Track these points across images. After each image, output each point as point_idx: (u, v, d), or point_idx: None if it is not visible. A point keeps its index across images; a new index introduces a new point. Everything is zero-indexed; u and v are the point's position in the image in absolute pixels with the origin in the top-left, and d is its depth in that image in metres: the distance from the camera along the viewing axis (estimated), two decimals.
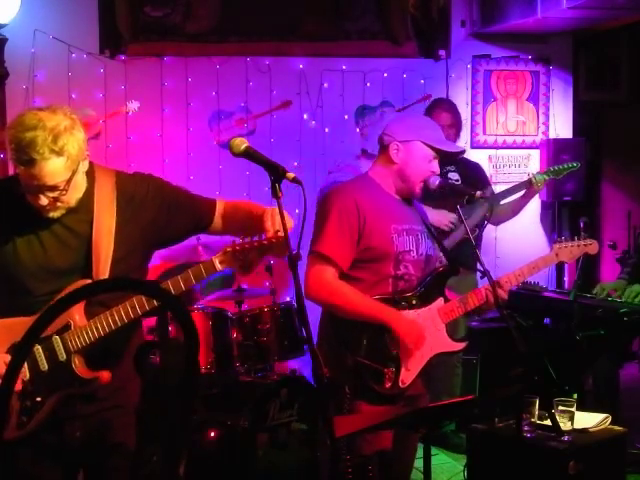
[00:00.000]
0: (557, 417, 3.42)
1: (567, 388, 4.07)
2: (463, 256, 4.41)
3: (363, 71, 6.06)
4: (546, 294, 5.11)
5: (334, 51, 6.02)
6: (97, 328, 2.49)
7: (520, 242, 6.11)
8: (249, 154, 2.40)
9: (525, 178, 5.28)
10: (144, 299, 2.46)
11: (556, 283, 6.48)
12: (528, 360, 2.99)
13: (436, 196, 3.93)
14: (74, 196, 2.52)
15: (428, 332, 3.22)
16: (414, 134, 3.25)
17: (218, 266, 2.47)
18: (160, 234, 2.66)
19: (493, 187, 5.39)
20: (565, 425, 3.43)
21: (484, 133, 6.45)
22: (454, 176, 5.04)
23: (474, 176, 5.11)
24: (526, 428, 3.43)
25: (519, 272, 3.36)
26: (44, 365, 2.50)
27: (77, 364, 2.51)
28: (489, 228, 5.15)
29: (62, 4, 5.49)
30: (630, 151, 6.91)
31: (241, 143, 2.40)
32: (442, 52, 6.23)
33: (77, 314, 2.50)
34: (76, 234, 2.55)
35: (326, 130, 6.01)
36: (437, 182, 3.29)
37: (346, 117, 6.05)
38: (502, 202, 5.03)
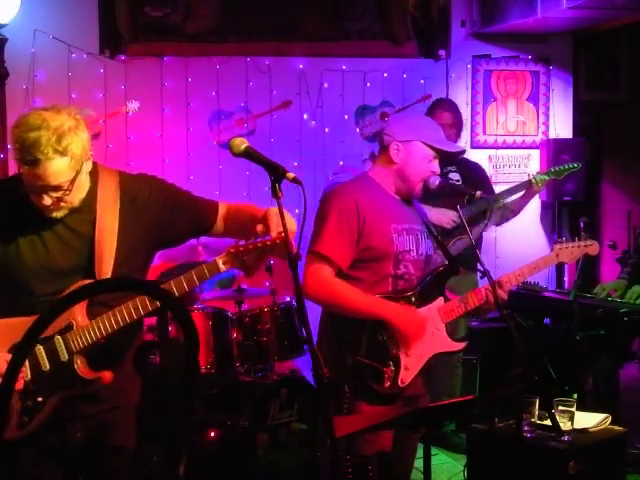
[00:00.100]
0: (557, 417, 3.42)
1: (567, 388, 4.07)
2: (463, 256, 4.42)
3: (363, 71, 6.06)
4: (546, 294, 5.11)
5: (334, 51, 6.02)
6: (99, 328, 2.48)
7: (520, 242, 6.12)
8: (249, 154, 2.40)
9: (525, 178, 5.28)
10: (147, 300, 2.46)
11: (556, 283, 6.48)
12: (528, 360, 2.99)
13: (436, 196, 3.93)
14: (77, 196, 2.51)
15: (428, 331, 3.22)
16: (414, 134, 3.25)
17: (222, 267, 2.47)
18: (162, 235, 2.65)
19: (493, 187, 5.40)
20: (565, 425, 3.43)
21: (484, 133, 6.45)
22: (455, 176, 5.04)
23: (474, 176, 5.11)
24: (526, 428, 3.43)
25: (519, 272, 3.36)
26: (46, 365, 2.50)
27: (79, 364, 2.50)
28: (489, 228, 5.15)
29: (62, 4, 5.49)
30: (630, 151, 6.92)
31: (241, 143, 2.39)
32: (442, 52, 6.24)
33: (79, 314, 2.49)
34: (79, 234, 2.55)
35: (326, 130, 6.01)
36: (437, 182, 3.29)
37: (346, 117, 6.06)
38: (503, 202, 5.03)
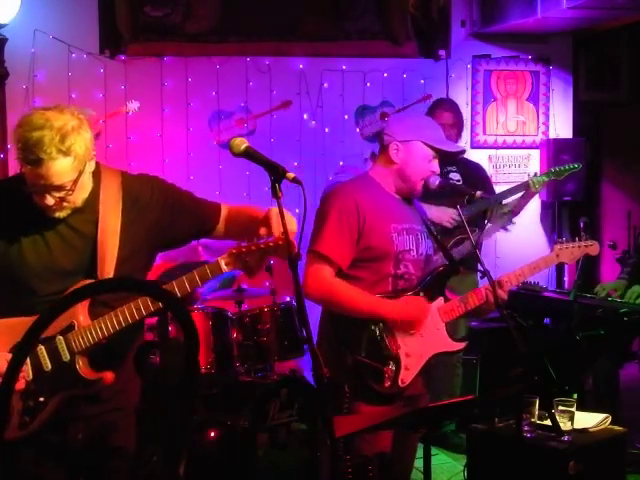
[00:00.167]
0: (557, 417, 3.42)
1: (567, 388, 4.07)
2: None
3: (363, 71, 6.06)
4: (546, 294, 5.11)
5: (334, 51, 6.02)
6: (101, 329, 2.48)
7: (520, 242, 6.11)
8: (249, 154, 2.40)
9: (525, 178, 5.29)
10: (149, 300, 2.45)
11: (556, 283, 6.48)
12: (528, 360, 2.99)
13: (437, 196, 3.93)
14: (80, 196, 2.51)
15: (428, 331, 3.22)
16: (414, 134, 3.25)
17: (224, 267, 2.46)
18: (164, 235, 2.65)
19: (494, 187, 5.40)
20: (565, 425, 3.43)
21: (484, 133, 6.45)
22: (455, 176, 5.04)
23: (475, 176, 5.11)
24: (526, 428, 3.43)
25: (519, 272, 3.36)
26: (47, 365, 2.49)
27: (81, 365, 2.50)
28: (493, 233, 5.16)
29: (62, 4, 5.49)
30: (630, 151, 6.92)
31: (241, 143, 2.39)
32: (442, 52, 6.24)
33: (81, 315, 2.49)
34: (81, 234, 2.54)
35: (326, 130, 6.01)
36: (437, 182, 3.29)
37: (346, 117, 6.06)
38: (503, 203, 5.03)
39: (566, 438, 3.40)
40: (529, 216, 6.20)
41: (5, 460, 2.25)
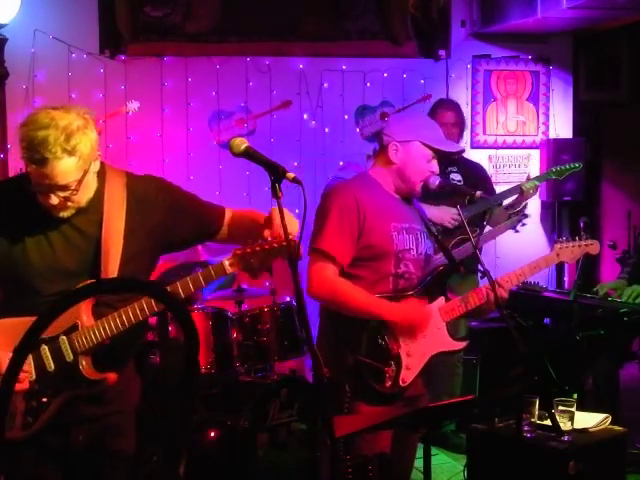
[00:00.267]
0: (557, 417, 3.42)
1: (567, 388, 4.07)
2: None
3: (363, 71, 6.06)
4: (546, 294, 5.11)
5: (334, 51, 6.02)
6: (104, 329, 2.47)
7: (520, 242, 6.10)
8: (249, 154, 2.39)
9: (525, 178, 5.28)
10: (152, 301, 2.45)
11: (556, 283, 6.48)
12: (528, 360, 2.99)
13: (437, 196, 3.92)
14: (85, 196, 2.50)
15: (429, 331, 3.22)
16: (413, 134, 3.25)
17: (228, 269, 2.46)
18: (167, 237, 2.64)
19: (494, 188, 5.39)
20: (565, 425, 3.43)
21: (484, 133, 6.45)
22: (456, 177, 5.04)
23: (476, 176, 5.11)
24: (526, 428, 3.43)
25: (520, 272, 3.36)
26: (51, 365, 2.49)
27: (84, 365, 2.49)
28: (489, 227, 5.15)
29: (62, 4, 5.49)
30: (630, 151, 6.92)
31: (241, 143, 2.39)
32: (442, 52, 6.24)
33: (85, 315, 2.48)
34: (85, 235, 2.54)
35: (326, 130, 6.01)
36: (437, 182, 3.29)
37: (346, 117, 6.06)
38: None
39: (566, 438, 3.40)
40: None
41: (6, 460, 2.25)
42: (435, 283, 3.29)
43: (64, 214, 2.50)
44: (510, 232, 4.85)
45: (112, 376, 2.53)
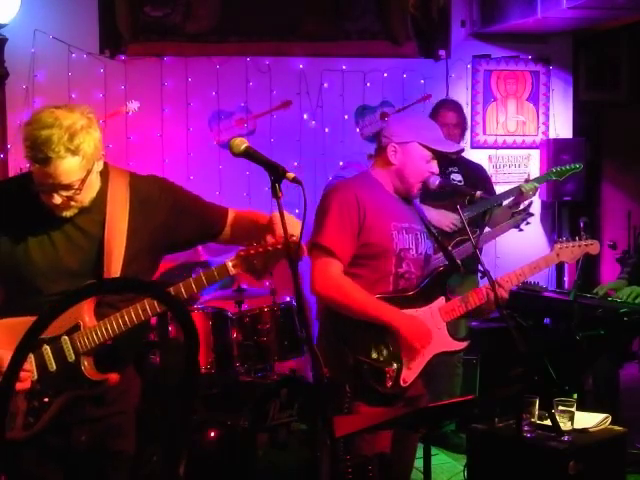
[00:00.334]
0: (557, 417, 3.42)
1: (567, 388, 4.07)
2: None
3: (363, 71, 6.06)
4: (546, 294, 5.11)
5: (334, 51, 6.02)
6: (107, 329, 2.47)
7: (520, 242, 6.11)
8: (249, 154, 2.40)
9: (524, 178, 5.28)
10: (155, 301, 2.45)
11: (556, 283, 6.48)
12: (528, 360, 2.99)
13: (437, 196, 3.92)
14: (88, 196, 2.50)
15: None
16: (411, 135, 3.25)
17: (232, 270, 2.45)
18: (170, 237, 2.64)
19: (494, 188, 5.39)
20: (565, 425, 3.43)
21: (484, 133, 6.45)
22: (457, 177, 5.04)
23: (476, 177, 5.11)
24: (526, 428, 3.43)
25: (520, 272, 3.36)
26: (52, 365, 2.48)
27: (86, 365, 2.49)
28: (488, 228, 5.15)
29: (62, 4, 5.49)
30: (630, 151, 6.92)
31: (241, 143, 2.39)
32: (442, 52, 6.24)
33: (87, 315, 2.48)
34: (88, 235, 2.53)
35: (326, 130, 6.01)
36: (437, 182, 3.29)
37: (346, 117, 6.06)
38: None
39: (566, 438, 3.40)
40: None
41: (8, 460, 2.25)
42: (435, 283, 3.29)
43: (67, 214, 2.49)
44: (510, 232, 4.85)
45: (114, 377, 2.53)
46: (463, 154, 4.71)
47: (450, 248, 3.98)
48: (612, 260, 5.87)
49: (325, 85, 6.00)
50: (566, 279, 6.51)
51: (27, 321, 2.43)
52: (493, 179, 6.00)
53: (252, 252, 2.43)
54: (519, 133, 6.52)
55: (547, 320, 5.39)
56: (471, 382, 5.23)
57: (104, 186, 2.56)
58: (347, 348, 3.13)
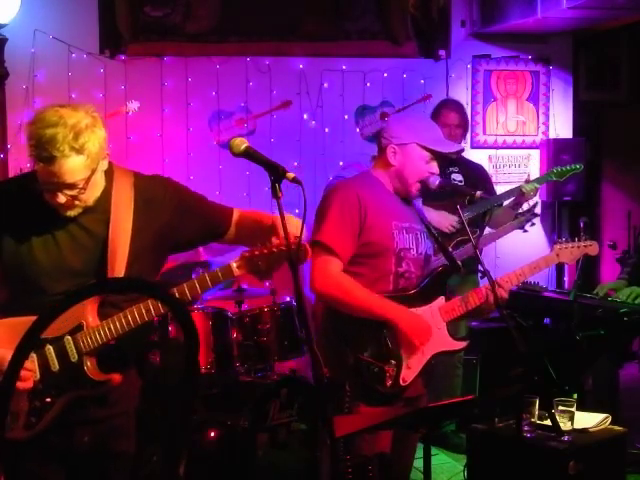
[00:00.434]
0: (557, 417, 3.42)
1: (567, 388, 4.07)
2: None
3: (363, 71, 6.06)
4: (546, 294, 5.11)
5: (334, 51, 6.02)
6: (110, 329, 2.46)
7: (520, 242, 6.11)
8: (249, 154, 2.40)
9: (525, 178, 5.28)
10: (158, 302, 2.44)
11: (556, 283, 6.48)
12: (528, 360, 2.99)
13: (438, 196, 3.92)
14: (92, 195, 2.49)
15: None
16: (410, 136, 3.25)
17: (236, 271, 2.45)
18: (174, 237, 2.63)
19: (495, 188, 5.39)
20: (565, 425, 3.43)
21: (484, 133, 6.45)
22: (457, 177, 5.04)
23: (476, 177, 5.11)
24: (526, 428, 3.43)
25: (520, 272, 3.36)
26: (55, 365, 2.47)
27: (89, 366, 2.48)
28: (489, 229, 5.15)
29: (62, 4, 5.49)
30: (630, 151, 6.92)
31: (241, 143, 2.39)
32: (442, 52, 6.24)
33: (90, 315, 2.47)
34: (92, 234, 2.53)
35: (326, 130, 6.01)
36: (437, 182, 3.30)
37: (346, 117, 6.06)
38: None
39: (566, 438, 3.40)
40: None
41: (8, 460, 2.25)
42: (435, 283, 3.29)
43: (71, 213, 2.49)
44: (510, 233, 4.85)
45: (117, 377, 2.52)
46: (463, 154, 4.71)
47: (450, 249, 3.99)
48: (612, 260, 5.87)
49: (325, 85, 6.00)
50: (566, 279, 6.51)
51: (30, 321, 2.43)
52: (493, 179, 6.00)
53: (257, 253, 2.43)
54: (519, 133, 6.52)
55: (547, 320, 5.39)
56: (471, 382, 5.23)
57: (109, 185, 2.55)
58: (347, 347, 3.14)
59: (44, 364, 2.48)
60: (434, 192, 3.42)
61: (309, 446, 4.01)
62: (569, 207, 6.52)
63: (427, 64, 6.21)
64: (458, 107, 5.30)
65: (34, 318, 2.43)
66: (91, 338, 2.47)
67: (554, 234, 6.37)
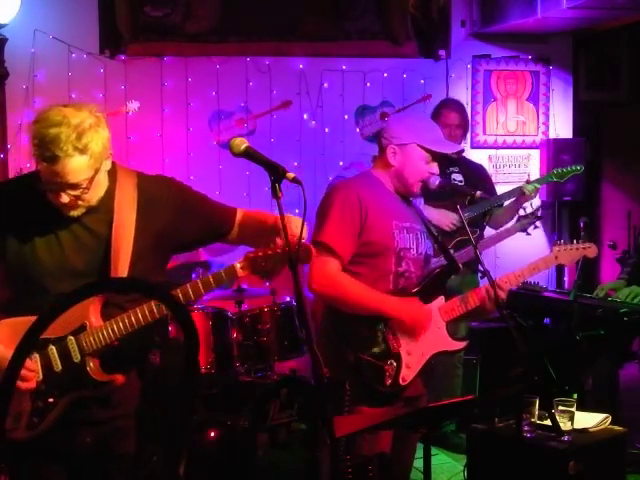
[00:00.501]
0: (557, 417, 3.42)
1: (567, 388, 4.07)
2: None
3: (363, 71, 6.06)
4: (546, 294, 5.11)
5: (334, 51, 6.02)
6: (113, 330, 2.46)
7: (520, 242, 6.10)
8: (249, 154, 2.40)
9: (525, 178, 5.28)
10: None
11: (556, 283, 6.48)
12: (528, 360, 2.99)
13: (438, 196, 3.92)
14: (95, 195, 2.49)
15: (429, 330, 3.22)
16: (410, 137, 3.26)
17: (240, 271, 2.44)
18: (177, 237, 2.63)
19: (495, 188, 5.39)
20: (565, 425, 3.43)
21: (484, 133, 6.45)
22: (458, 177, 5.04)
23: (477, 177, 5.11)
24: (526, 428, 3.43)
25: (519, 273, 3.36)
26: (58, 366, 2.47)
27: (92, 366, 2.48)
28: (489, 229, 5.15)
29: (62, 4, 5.49)
30: (630, 151, 6.91)
31: (241, 143, 2.39)
32: (442, 52, 6.24)
33: (93, 315, 2.47)
34: (95, 234, 2.53)
35: (326, 130, 6.01)
36: (437, 182, 3.30)
37: (346, 117, 6.06)
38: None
39: (566, 438, 3.40)
40: None
41: (9, 460, 2.25)
42: (435, 283, 3.30)
43: (74, 213, 2.49)
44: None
45: (120, 378, 2.52)
46: (463, 154, 4.71)
47: (451, 249, 3.99)
48: (612, 260, 5.87)
49: (325, 85, 6.00)
50: (566, 279, 6.51)
51: (32, 320, 2.43)
52: (493, 179, 6.00)
53: (260, 254, 2.42)
54: (519, 133, 6.52)
55: (547, 320, 5.38)
56: (471, 382, 5.23)
57: (112, 185, 2.55)
58: (347, 346, 3.14)
59: (47, 364, 2.47)
60: (434, 192, 3.43)
61: (309, 446, 4.01)
62: (569, 207, 6.52)
63: (427, 64, 6.21)
64: (458, 107, 5.30)
65: (33, 318, 2.43)
66: (94, 339, 2.46)
67: (554, 234, 6.37)
